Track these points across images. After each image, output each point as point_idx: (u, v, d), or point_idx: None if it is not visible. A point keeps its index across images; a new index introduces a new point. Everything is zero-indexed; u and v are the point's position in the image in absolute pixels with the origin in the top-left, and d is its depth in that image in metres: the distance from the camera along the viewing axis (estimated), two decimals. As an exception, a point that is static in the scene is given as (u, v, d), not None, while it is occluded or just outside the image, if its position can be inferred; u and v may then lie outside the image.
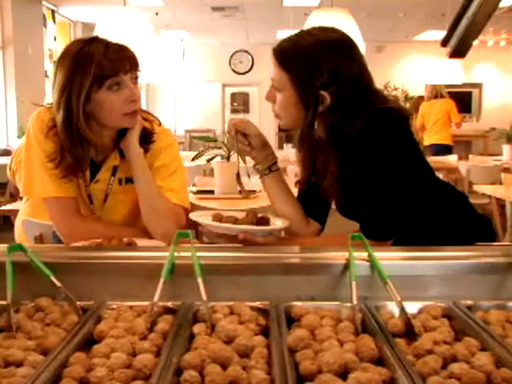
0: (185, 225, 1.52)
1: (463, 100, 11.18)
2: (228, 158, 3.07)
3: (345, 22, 3.03)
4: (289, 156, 5.47)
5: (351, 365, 0.79)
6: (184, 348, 0.85)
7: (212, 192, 3.15)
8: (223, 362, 0.79)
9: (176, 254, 1.09)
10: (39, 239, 2.22)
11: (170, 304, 1.01)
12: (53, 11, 8.69)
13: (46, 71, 8.37)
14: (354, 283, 1.00)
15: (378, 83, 1.42)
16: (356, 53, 1.33)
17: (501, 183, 4.46)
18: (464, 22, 1.12)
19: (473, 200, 1.52)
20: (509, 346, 0.84)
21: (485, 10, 1.06)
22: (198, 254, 1.06)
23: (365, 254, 1.10)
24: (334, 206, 1.52)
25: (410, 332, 0.94)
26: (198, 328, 0.92)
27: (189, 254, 1.08)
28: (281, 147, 8.72)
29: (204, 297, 0.97)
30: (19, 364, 0.80)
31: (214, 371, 0.74)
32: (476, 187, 4.36)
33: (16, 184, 2.61)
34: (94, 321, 0.95)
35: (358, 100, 1.28)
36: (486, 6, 1.06)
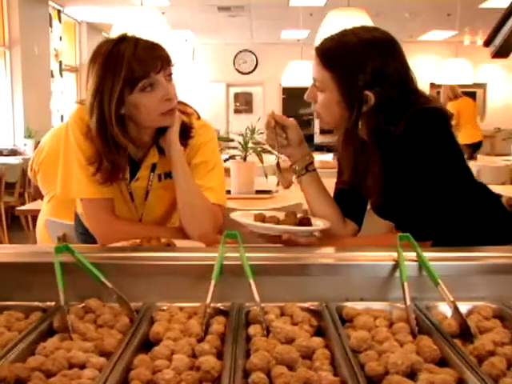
0: (222, 225, 1.50)
1: (468, 100, 11.19)
2: (244, 159, 3.06)
3: (363, 23, 3.01)
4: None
5: (417, 366, 0.79)
6: (244, 350, 0.85)
7: (228, 192, 3.15)
8: (289, 363, 0.79)
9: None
10: (62, 239, 2.23)
11: (220, 305, 1.01)
12: (59, 11, 8.68)
13: (51, 71, 8.37)
14: (405, 284, 1.00)
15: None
16: (400, 52, 1.32)
17: (511, 183, 4.47)
18: (510, 23, 1.12)
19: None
20: None
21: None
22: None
23: (412, 255, 1.10)
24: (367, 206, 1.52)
25: (465, 333, 0.93)
26: (253, 329, 0.92)
27: (234, 254, 1.08)
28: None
29: (257, 298, 0.96)
30: (82, 366, 0.80)
31: (286, 373, 0.73)
32: (486, 187, 4.34)
33: (37, 184, 2.61)
34: (147, 322, 0.95)
35: (402, 100, 1.28)
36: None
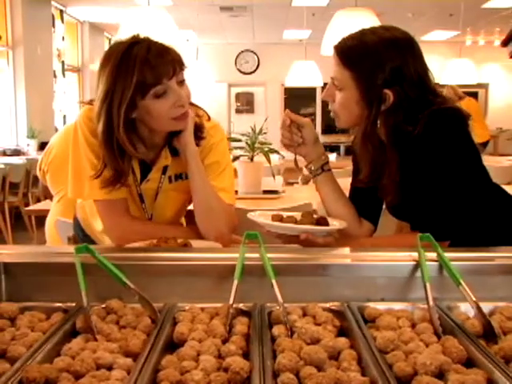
0: (236, 225, 1.50)
1: (470, 100, 11.20)
2: (252, 159, 3.06)
3: (370, 23, 3.03)
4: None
5: (445, 366, 0.79)
6: (270, 350, 0.85)
7: (235, 192, 3.14)
8: (317, 364, 0.78)
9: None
10: (73, 239, 2.23)
11: (242, 305, 1.01)
12: (61, 11, 8.68)
13: (54, 71, 8.37)
14: (428, 284, 1.00)
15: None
16: (419, 52, 1.32)
17: (517, 183, 4.45)
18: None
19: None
20: None
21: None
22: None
23: (432, 255, 1.09)
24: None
25: (488, 333, 0.93)
26: (277, 330, 0.92)
27: (254, 255, 1.08)
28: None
29: (280, 298, 0.96)
30: (109, 367, 0.80)
31: (317, 374, 0.73)
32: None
33: (46, 184, 2.61)
34: (170, 323, 0.95)
35: (420, 99, 1.28)
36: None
